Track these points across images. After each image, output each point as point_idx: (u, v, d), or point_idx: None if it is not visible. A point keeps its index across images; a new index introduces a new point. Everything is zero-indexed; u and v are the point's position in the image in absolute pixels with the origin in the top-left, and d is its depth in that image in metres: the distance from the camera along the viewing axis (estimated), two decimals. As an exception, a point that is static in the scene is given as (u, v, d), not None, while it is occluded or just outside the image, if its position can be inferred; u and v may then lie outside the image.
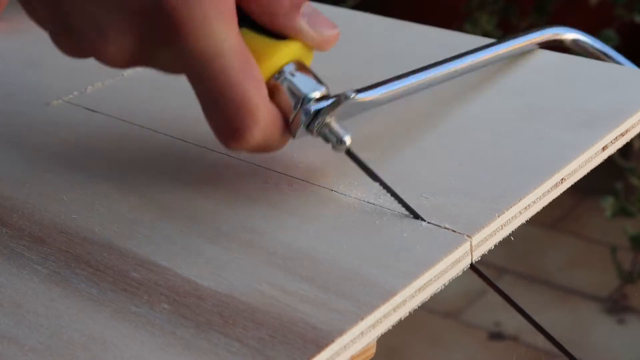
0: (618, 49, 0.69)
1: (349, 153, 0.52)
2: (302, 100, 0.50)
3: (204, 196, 0.53)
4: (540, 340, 1.66)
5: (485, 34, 1.74)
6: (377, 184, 0.52)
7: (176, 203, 0.52)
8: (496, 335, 1.67)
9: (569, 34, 0.69)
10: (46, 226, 0.51)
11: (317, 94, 0.51)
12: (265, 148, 0.50)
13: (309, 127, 0.51)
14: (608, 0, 1.72)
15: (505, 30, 1.79)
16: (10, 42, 0.74)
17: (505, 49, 0.64)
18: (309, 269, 0.46)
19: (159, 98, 0.63)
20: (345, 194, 0.52)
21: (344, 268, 0.46)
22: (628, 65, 0.68)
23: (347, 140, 0.51)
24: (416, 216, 0.50)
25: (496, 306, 1.73)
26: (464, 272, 0.48)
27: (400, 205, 0.51)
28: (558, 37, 0.68)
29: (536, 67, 0.65)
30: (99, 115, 0.62)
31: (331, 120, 0.51)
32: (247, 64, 0.48)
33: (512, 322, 1.68)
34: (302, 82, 0.51)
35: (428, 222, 0.49)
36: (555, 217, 1.92)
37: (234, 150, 0.50)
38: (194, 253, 0.48)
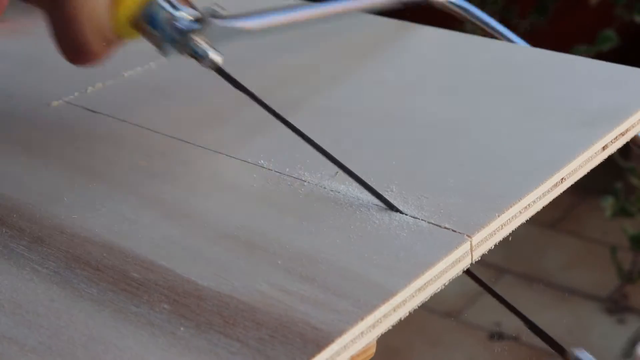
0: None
1: (220, 70, 0.55)
2: (170, 20, 0.54)
3: (204, 196, 0.53)
4: (540, 340, 1.66)
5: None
6: (380, 185, 0.52)
7: (176, 203, 0.52)
8: (496, 335, 1.67)
9: None
10: (46, 226, 0.51)
11: (185, 14, 0.54)
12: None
13: (178, 47, 0.54)
14: (608, 0, 1.72)
15: (504, 30, 1.78)
16: (10, 43, 0.74)
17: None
18: (309, 269, 0.46)
19: (159, 98, 0.63)
20: (345, 194, 0.52)
21: (343, 268, 0.46)
22: (514, 39, 0.68)
23: (216, 57, 0.54)
24: (391, 207, 0.50)
25: (496, 306, 1.73)
26: (464, 272, 0.48)
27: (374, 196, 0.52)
28: None
29: (536, 67, 0.65)
30: (99, 116, 0.62)
31: (201, 39, 0.54)
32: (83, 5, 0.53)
33: (512, 322, 1.68)
34: (173, 8, 0.54)
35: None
36: (554, 217, 1.92)
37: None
38: (194, 253, 0.48)
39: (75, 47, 0.54)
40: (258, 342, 0.42)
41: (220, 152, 0.57)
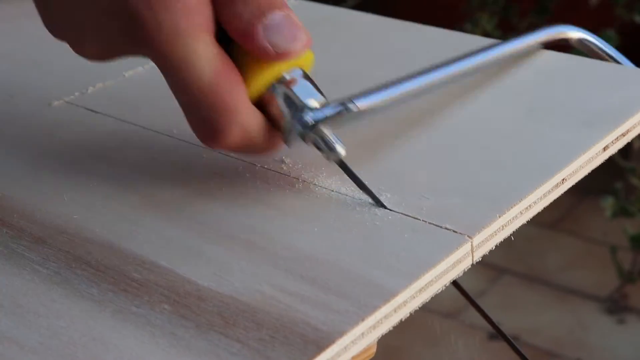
0: (618, 49, 0.69)
1: (341, 164, 0.52)
2: (298, 109, 0.51)
3: (205, 196, 0.53)
4: (540, 340, 1.67)
5: (485, 34, 1.74)
6: (380, 185, 0.52)
7: (177, 203, 0.52)
8: (496, 335, 1.67)
9: (575, 33, 0.69)
10: (47, 226, 0.51)
11: (313, 103, 0.51)
12: (247, 149, 0.51)
13: (304, 136, 0.51)
14: (608, 0, 1.72)
15: (505, 31, 1.79)
16: (11, 42, 0.74)
17: (509, 49, 0.64)
18: (309, 269, 0.46)
19: (160, 98, 0.63)
20: (346, 195, 0.52)
21: (344, 269, 0.46)
22: (629, 66, 0.68)
23: (341, 151, 0.51)
24: (378, 202, 0.51)
25: (496, 306, 1.73)
26: (463, 273, 0.48)
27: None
28: (564, 36, 0.68)
29: (537, 67, 0.65)
30: (100, 116, 0.62)
31: (325, 129, 0.51)
32: (223, 71, 0.49)
33: (512, 322, 1.69)
34: (299, 91, 0.51)
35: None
36: (555, 217, 1.92)
37: (215, 149, 0.52)
38: (194, 253, 0.48)
39: (205, 116, 0.50)
40: (258, 343, 0.42)
41: (220, 152, 0.57)
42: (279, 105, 0.51)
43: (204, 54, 0.48)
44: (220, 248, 0.49)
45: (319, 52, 0.55)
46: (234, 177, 0.55)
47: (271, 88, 0.51)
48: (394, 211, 0.50)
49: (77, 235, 0.50)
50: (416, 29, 0.72)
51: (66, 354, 0.43)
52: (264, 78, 0.50)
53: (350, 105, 0.51)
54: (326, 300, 0.44)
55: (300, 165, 0.55)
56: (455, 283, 0.48)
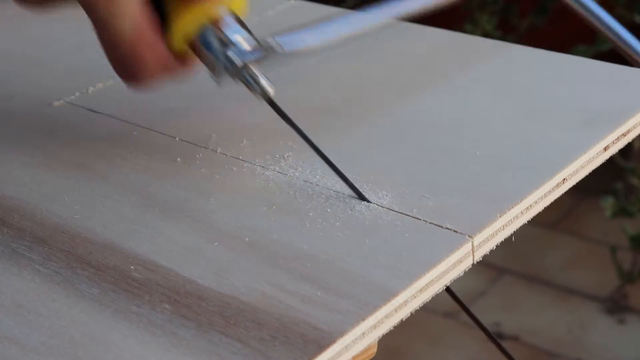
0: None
1: (271, 102, 0.54)
2: (227, 48, 0.53)
3: (205, 196, 0.53)
4: (540, 341, 1.66)
5: (485, 34, 1.74)
6: (381, 185, 0.52)
7: (177, 203, 0.52)
8: (496, 335, 1.67)
9: None
10: (47, 226, 0.51)
11: (242, 43, 0.53)
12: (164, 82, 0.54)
13: (232, 75, 0.53)
14: (608, 0, 1.72)
15: (505, 31, 1.79)
16: (11, 42, 0.74)
17: None
18: (310, 269, 0.46)
19: (160, 99, 0.63)
20: (347, 195, 0.52)
21: (345, 268, 0.46)
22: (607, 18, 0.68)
23: (269, 89, 0.53)
24: (361, 196, 0.51)
25: (496, 306, 1.73)
26: (464, 273, 0.48)
27: (349, 188, 0.52)
28: None
29: (537, 67, 0.65)
30: (100, 116, 0.62)
31: (254, 69, 0.53)
32: (143, 28, 0.52)
33: (512, 322, 1.68)
34: (229, 32, 0.53)
35: (332, 190, 0.51)
36: (555, 217, 1.92)
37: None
38: (195, 253, 0.48)
39: (126, 66, 0.53)
40: (259, 343, 0.42)
41: (221, 153, 0.57)
42: (209, 45, 0.53)
43: (127, 10, 0.51)
44: (220, 248, 0.49)
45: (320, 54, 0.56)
46: (235, 177, 0.55)
47: (201, 29, 0.53)
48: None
49: (77, 235, 0.50)
50: (416, 29, 0.72)
51: (67, 354, 0.43)
52: (193, 19, 0.53)
53: (276, 47, 0.52)
54: (327, 299, 0.44)
55: (302, 166, 0.55)
56: (448, 289, 0.49)
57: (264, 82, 0.53)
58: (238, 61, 0.53)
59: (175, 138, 0.59)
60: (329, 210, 0.51)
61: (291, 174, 0.54)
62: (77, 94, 0.65)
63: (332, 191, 0.53)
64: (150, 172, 0.56)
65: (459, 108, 0.61)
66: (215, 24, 0.53)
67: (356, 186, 0.52)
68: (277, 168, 0.55)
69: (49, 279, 0.47)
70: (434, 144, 0.57)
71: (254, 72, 0.53)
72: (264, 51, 0.53)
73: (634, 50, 0.69)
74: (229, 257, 0.48)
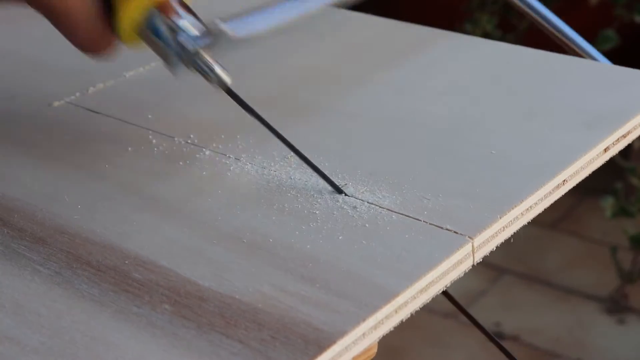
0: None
1: (228, 90, 0.54)
2: (176, 34, 0.53)
3: (205, 197, 0.53)
4: (540, 340, 1.66)
5: (485, 34, 1.74)
6: (382, 187, 0.52)
7: (177, 203, 0.52)
8: (496, 335, 1.67)
9: None
10: (47, 227, 0.51)
11: (192, 30, 0.53)
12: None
13: (184, 62, 0.53)
14: (608, 0, 1.72)
15: (505, 31, 1.79)
16: (12, 43, 0.74)
17: None
18: (310, 269, 0.46)
19: (160, 99, 0.63)
20: (347, 196, 0.52)
21: (345, 269, 0.46)
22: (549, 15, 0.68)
23: (224, 75, 0.53)
24: (339, 190, 0.52)
25: (496, 306, 1.73)
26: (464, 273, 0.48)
27: (325, 181, 0.53)
28: None
29: (538, 68, 0.65)
30: (101, 116, 0.62)
31: (207, 56, 0.53)
32: (97, 22, 0.53)
33: (512, 322, 1.68)
34: (177, 19, 0.53)
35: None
36: (555, 217, 1.92)
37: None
38: (195, 254, 0.48)
39: (78, 44, 0.54)
40: (259, 343, 0.42)
41: (221, 153, 0.57)
42: (158, 32, 0.53)
43: (81, 5, 0.52)
44: (221, 248, 0.49)
45: (319, 53, 0.56)
46: (235, 177, 0.55)
47: (148, 15, 0.53)
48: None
49: (77, 235, 0.50)
50: (416, 29, 0.72)
51: (67, 354, 0.43)
52: (139, 6, 0.53)
53: (227, 31, 0.52)
54: (327, 300, 0.44)
55: (300, 167, 0.55)
56: (445, 292, 0.49)
57: (219, 70, 0.53)
58: (189, 47, 0.53)
59: (175, 138, 0.59)
60: (329, 210, 0.51)
61: (292, 174, 0.54)
62: (77, 94, 0.65)
63: (332, 192, 0.53)
64: (150, 172, 0.56)
65: (460, 109, 0.61)
66: (162, 10, 0.53)
67: (331, 178, 0.53)
68: (277, 168, 0.55)
69: (49, 279, 0.47)
70: (434, 145, 0.57)
71: (207, 60, 0.53)
72: (214, 36, 0.52)
73: (580, 47, 0.69)
74: (229, 258, 0.48)
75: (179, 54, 0.53)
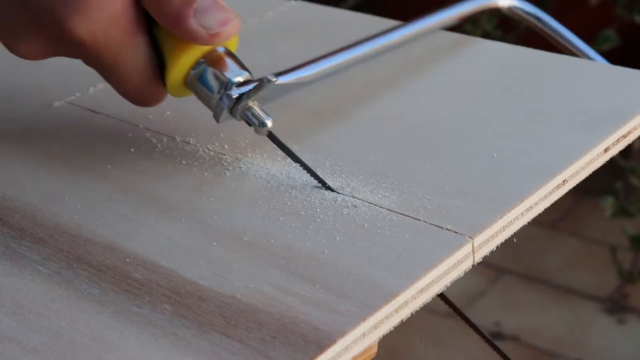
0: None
1: (271, 136, 0.55)
2: (224, 85, 0.53)
3: (206, 196, 0.53)
4: (540, 340, 1.67)
5: (485, 34, 1.74)
6: (382, 187, 0.52)
7: (178, 204, 0.52)
8: (496, 335, 1.67)
9: (504, 1, 0.70)
10: (48, 227, 0.51)
11: (239, 79, 0.53)
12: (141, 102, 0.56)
13: (232, 112, 0.54)
14: (608, 0, 1.72)
15: (505, 31, 1.79)
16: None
17: (437, 21, 0.65)
18: (310, 269, 0.46)
19: (160, 98, 0.63)
20: (347, 196, 0.52)
21: (345, 269, 0.46)
22: (562, 30, 0.68)
23: (269, 123, 0.54)
24: (324, 185, 0.53)
25: (496, 306, 1.73)
26: (437, 296, 0.48)
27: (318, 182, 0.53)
28: (494, 6, 0.70)
29: (538, 68, 0.65)
30: (101, 117, 0.62)
31: (253, 104, 0.54)
32: (149, 76, 0.53)
33: (512, 322, 1.68)
34: (225, 69, 0.53)
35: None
36: (555, 217, 1.92)
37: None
38: (195, 254, 0.48)
39: (128, 97, 0.55)
40: (259, 343, 0.42)
41: (221, 153, 0.57)
42: (207, 83, 0.53)
43: (133, 61, 0.52)
44: (221, 248, 0.49)
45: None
46: (235, 177, 0.55)
47: (197, 67, 0.53)
48: (391, 210, 0.50)
49: (77, 235, 0.50)
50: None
51: (67, 354, 0.43)
52: (190, 59, 0.53)
53: (270, 77, 0.53)
54: (327, 300, 0.44)
55: (302, 168, 0.55)
56: (442, 295, 0.49)
57: (263, 117, 0.54)
58: (235, 99, 0.53)
59: (175, 138, 0.59)
60: (329, 210, 0.51)
61: (292, 174, 0.54)
62: (77, 94, 0.65)
63: (333, 192, 0.53)
64: (150, 172, 0.56)
65: (460, 109, 0.61)
66: (211, 62, 0.53)
67: (323, 179, 0.53)
68: (277, 168, 0.55)
69: (49, 279, 0.47)
70: (434, 145, 0.57)
71: (255, 111, 0.54)
72: (258, 85, 0.53)
73: (579, 50, 0.69)
74: (229, 257, 0.48)
75: (227, 106, 0.53)
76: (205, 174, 0.55)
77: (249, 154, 0.57)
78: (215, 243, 0.49)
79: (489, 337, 0.65)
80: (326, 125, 0.60)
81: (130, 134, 0.60)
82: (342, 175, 0.54)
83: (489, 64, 0.66)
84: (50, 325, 0.44)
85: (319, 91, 0.64)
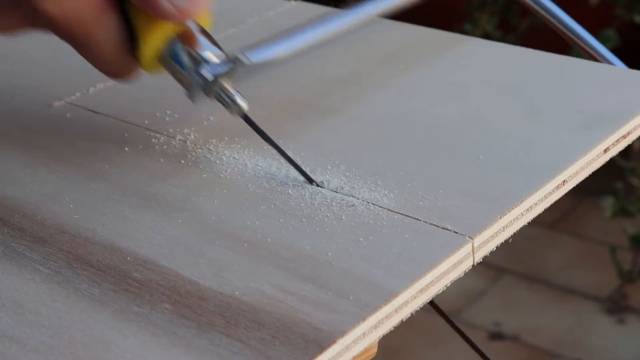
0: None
1: (245, 117, 0.54)
2: (197, 63, 0.53)
3: (206, 196, 0.53)
4: (540, 340, 1.67)
5: (485, 34, 1.74)
6: (382, 186, 0.52)
7: (177, 203, 0.53)
8: (496, 335, 1.67)
9: None
10: (48, 226, 0.51)
11: (212, 58, 0.53)
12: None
13: (205, 91, 0.53)
14: (608, 0, 1.72)
15: (505, 31, 1.79)
16: (12, 43, 0.74)
17: None
18: (310, 269, 0.47)
19: (160, 99, 0.63)
20: (347, 195, 0.52)
21: (345, 269, 0.46)
22: (565, 17, 0.68)
23: (243, 104, 0.53)
24: (311, 181, 0.53)
25: (496, 306, 1.73)
26: (429, 304, 0.48)
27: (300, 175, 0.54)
28: None
29: (538, 68, 0.65)
30: (101, 117, 0.62)
31: (226, 84, 0.53)
32: (120, 52, 0.53)
33: (512, 322, 1.69)
34: (197, 47, 0.53)
35: (333, 191, 0.52)
36: (555, 217, 1.92)
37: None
38: (195, 253, 0.48)
39: (101, 70, 0.55)
40: (259, 343, 0.42)
41: (222, 153, 0.57)
42: (180, 61, 0.53)
43: (105, 36, 0.52)
44: (221, 248, 0.49)
45: (319, 54, 0.56)
46: (235, 177, 0.55)
47: (172, 45, 0.53)
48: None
49: (77, 235, 0.50)
50: (415, 30, 0.72)
51: (67, 354, 0.43)
52: (161, 35, 0.53)
53: (243, 58, 0.53)
54: (327, 300, 0.44)
55: (303, 168, 0.55)
56: (432, 303, 0.49)
57: (237, 98, 0.53)
58: (210, 77, 0.53)
59: (175, 138, 0.59)
60: (329, 210, 0.51)
61: (292, 174, 0.54)
62: (77, 94, 0.65)
63: (332, 192, 0.53)
64: (150, 172, 0.56)
65: (460, 109, 0.61)
66: (184, 39, 0.53)
67: (307, 172, 0.54)
68: (277, 168, 0.55)
69: (49, 279, 0.47)
70: (434, 144, 0.57)
71: (228, 90, 0.53)
72: (233, 64, 0.53)
73: (597, 52, 0.69)
74: (229, 257, 0.48)
75: (199, 84, 0.53)
76: (205, 173, 0.55)
77: (249, 154, 0.57)
78: (215, 243, 0.49)
79: (478, 347, 0.65)
80: (326, 125, 0.60)
81: (130, 134, 0.60)
82: (342, 175, 0.54)
83: (488, 64, 0.66)
84: (50, 325, 0.44)
85: (319, 90, 0.64)
